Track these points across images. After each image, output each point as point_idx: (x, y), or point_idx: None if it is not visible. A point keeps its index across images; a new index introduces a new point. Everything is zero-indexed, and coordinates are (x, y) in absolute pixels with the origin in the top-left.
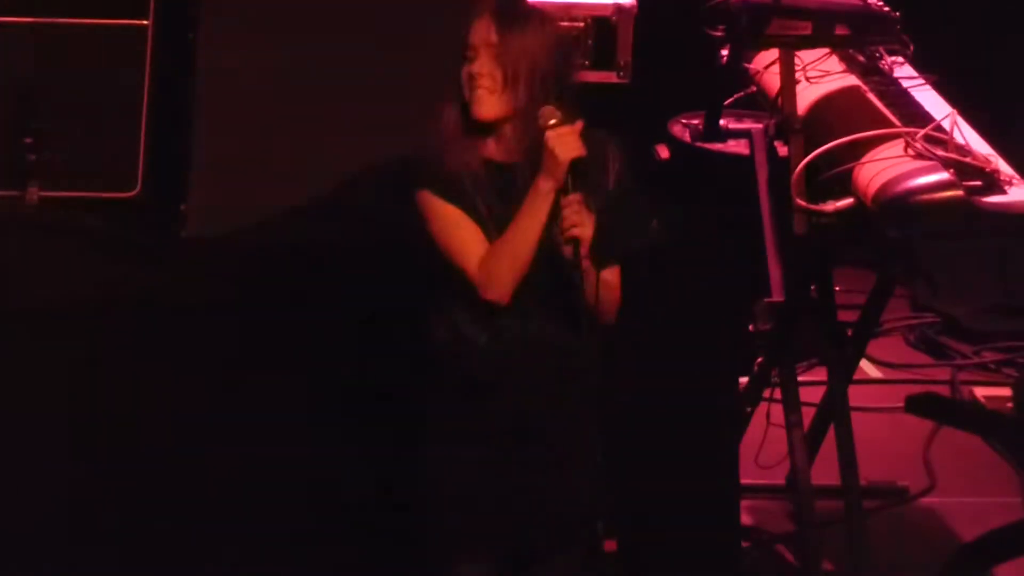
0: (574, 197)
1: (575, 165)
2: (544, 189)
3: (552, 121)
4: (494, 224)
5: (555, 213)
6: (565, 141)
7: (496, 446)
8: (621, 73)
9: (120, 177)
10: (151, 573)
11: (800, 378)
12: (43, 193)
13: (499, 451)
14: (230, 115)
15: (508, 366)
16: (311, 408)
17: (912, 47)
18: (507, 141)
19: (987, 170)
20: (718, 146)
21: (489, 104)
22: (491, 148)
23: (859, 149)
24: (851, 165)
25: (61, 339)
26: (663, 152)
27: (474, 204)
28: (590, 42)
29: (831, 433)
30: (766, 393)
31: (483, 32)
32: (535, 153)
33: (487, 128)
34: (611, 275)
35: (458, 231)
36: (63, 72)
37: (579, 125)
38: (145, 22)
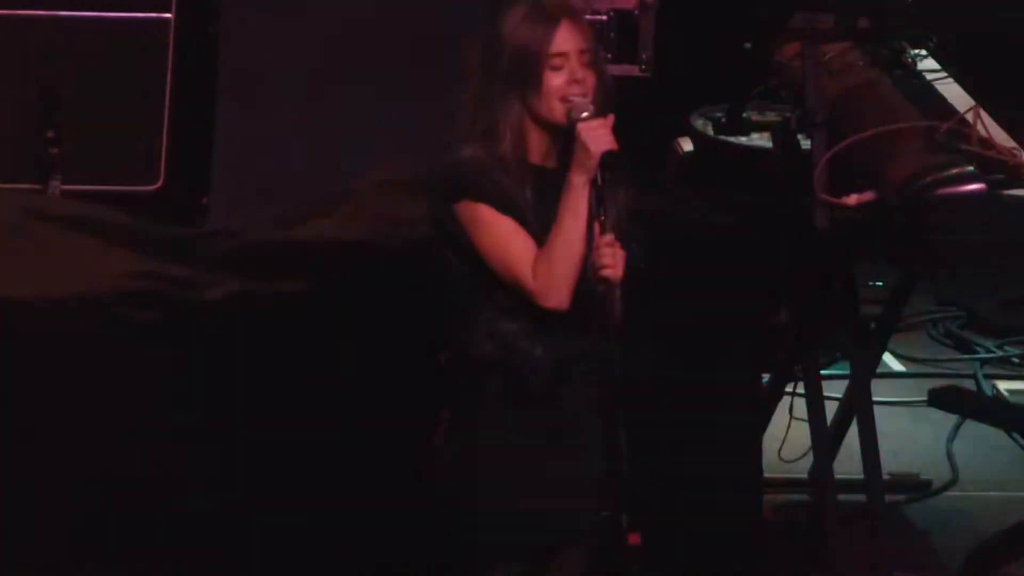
0: (608, 238)
1: (606, 158)
2: (577, 183)
3: (584, 114)
4: (539, 227)
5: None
6: (597, 134)
7: (537, 447)
8: (643, 66)
9: (142, 171)
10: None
11: (823, 372)
12: (65, 187)
13: (539, 451)
14: (252, 109)
15: (560, 376)
16: (333, 407)
17: (935, 40)
18: (555, 142)
19: (1010, 163)
20: (741, 139)
21: (582, 103)
22: (535, 150)
23: (882, 142)
24: (874, 158)
25: (82, 332)
26: (685, 145)
27: (523, 211)
28: (612, 35)
29: (854, 427)
30: (789, 387)
31: (570, 39)
32: (568, 148)
33: (553, 132)
34: None
35: (513, 243)
36: (85, 66)
37: (611, 118)
38: (168, 15)
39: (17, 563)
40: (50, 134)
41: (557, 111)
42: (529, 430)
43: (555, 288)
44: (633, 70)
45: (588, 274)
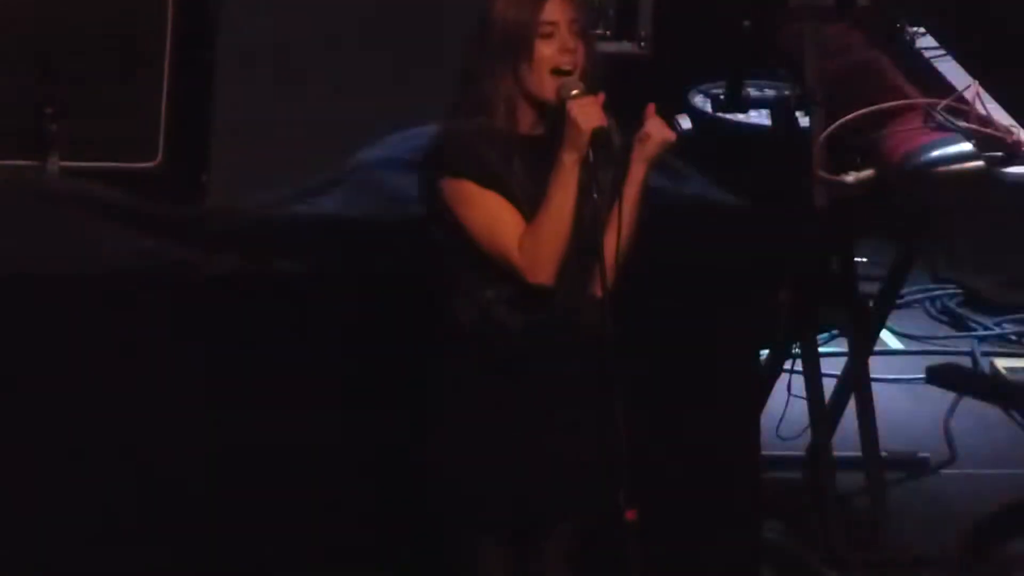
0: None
1: (597, 135)
2: (568, 161)
3: (574, 92)
4: (527, 200)
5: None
6: (587, 111)
7: (519, 421)
8: (642, 44)
9: (141, 147)
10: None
11: (821, 349)
12: (63, 163)
13: (521, 426)
14: (252, 84)
15: (541, 347)
16: (326, 384)
17: (934, 18)
18: (541, 115)
19: (1008, 141)
20: (739, 116)
21: (572, 80)
22: (524, 122)
23: (880, 120)
24: (872, 136)
25: (80, 311)
26: (684, 123)
27: (510, 185)
28: (611, 12)
29: (852, 404)
30: (787, 365)
31: (560, 8)
32: (558, 124)
33: (540, 105)
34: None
35: (499, 219)
36: (84, 42)
37: (601, 96)
38: None
39: (19, 555)
40: (49, 110)
41: (548, 85)
42: (512, 401)
43: (541, 264)
44: (632, 47)
45: (576, 239)
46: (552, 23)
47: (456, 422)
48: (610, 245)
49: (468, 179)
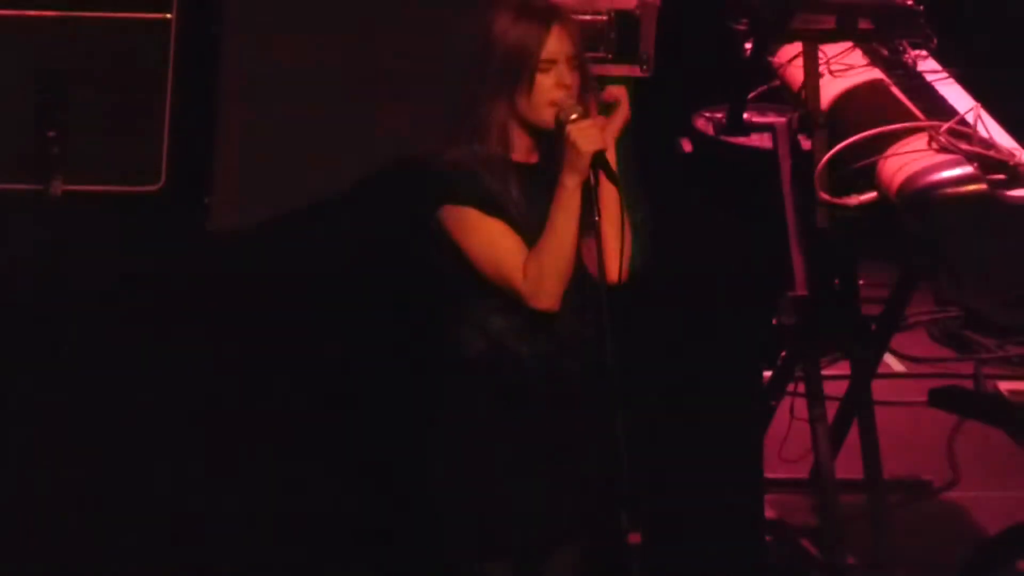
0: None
1: (597, 158)
2: (570, 184)
3: (573, 116)
4: (526, 227)
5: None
6: (587, 134)
7: (524, 444)
8: (644, 67)
9: (144, 171)
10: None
11: (824, 372)
12: (66, 187)
13: (526, 449)
14: (254, 108)
15: (548, 373)
16: (330, 408)
17: (935, 40)
18: (535, 143)
19: (1011, 164)
20: (741, 140)
21: (571, 104)
22: (519, 149)
23: (883, 143)
24: (875, 159)
25: (81, 332)
26: (686, 146)
27: (510, 212)
28: (613, 35)
29: (855, 427)
30: (790, 387)
31: (559, 44)
32: (553, 150)
33: (536, 133)
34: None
35: (502, 246)
36: (87, 65)
37: (600, 119)
38: (169, 16)
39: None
40: (51, 134)
41: (546, 114)
42: (520, 428)
43: (546, 289)
44: (634, 70)
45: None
46: (551, 60)
47: (461, 446)
48: (613, 251)
49: (470, 206)
